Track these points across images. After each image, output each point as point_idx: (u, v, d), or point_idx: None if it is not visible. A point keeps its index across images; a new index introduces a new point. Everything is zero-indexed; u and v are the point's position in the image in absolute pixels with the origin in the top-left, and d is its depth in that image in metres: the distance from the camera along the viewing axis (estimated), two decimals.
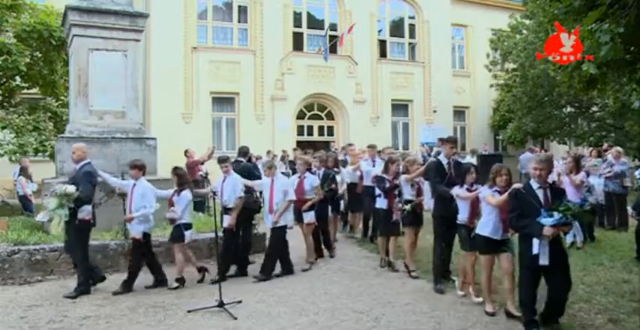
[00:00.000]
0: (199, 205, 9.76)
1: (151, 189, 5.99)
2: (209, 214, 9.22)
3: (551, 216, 4.17)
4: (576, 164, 7.86)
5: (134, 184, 5.98)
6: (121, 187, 6.21)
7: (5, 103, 11.81)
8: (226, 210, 6.45)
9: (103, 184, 6.29)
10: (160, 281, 6.02)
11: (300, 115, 18.60)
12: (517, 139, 19.27)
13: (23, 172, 10.60)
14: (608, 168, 9.58)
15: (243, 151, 7.80)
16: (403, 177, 6.26)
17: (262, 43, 17.81)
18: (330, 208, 7.70)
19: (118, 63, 8.36)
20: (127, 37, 8.43)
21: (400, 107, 20.28)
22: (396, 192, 6.45)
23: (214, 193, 5.97)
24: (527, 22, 17.48)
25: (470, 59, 22.33)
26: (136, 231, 5.92)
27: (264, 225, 7.22)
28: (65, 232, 5.64)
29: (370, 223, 8.56)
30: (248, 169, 7.22)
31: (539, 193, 4.37)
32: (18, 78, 11.37)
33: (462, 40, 22.53)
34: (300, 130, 18.59)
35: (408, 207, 6.13)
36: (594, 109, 18.11)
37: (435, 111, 20.33)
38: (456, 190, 5.29)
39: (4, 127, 10.60)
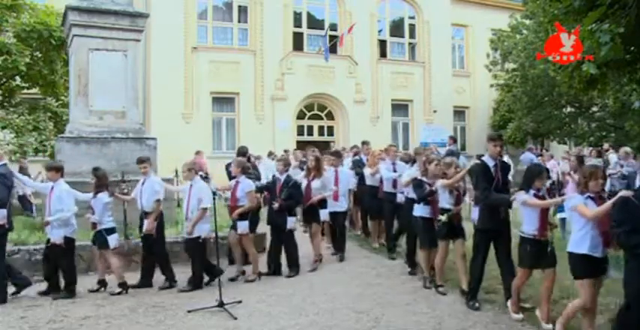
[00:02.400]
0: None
1: (68, 192, 5.73)
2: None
3: None
4: (580, 163, 7.83)
5: (52, 187, 5.72)
6: (39, 190, 5.98)
7: (5, 103, 11.82)
8: (146, 214, 6.04)
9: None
10: (68, 290, 5.68)
11: (300, 115, 18.59)
12: (517, 139, 19.26)
13: (22, 172, 10.60)
14: (616, 168, 9.52)
15: (242, 152, 7.80)
16: (440, 182, 5.48)
17: (262, 43, 17.80)
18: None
19: (118, 63, 8.36)
20: (127, 37, 8.43)
21: (400, 107, 20.27)
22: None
23: (214, 193, 5.94)
24: (527, 22, 17.47)
25: (470, 59, 22.31)
26: (55, 236, 5.59)
27: (262, 224, 7.25)
28: None
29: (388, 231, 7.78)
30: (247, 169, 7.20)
31: None
32: (18, 78, 11.38)
33: (462, 40, 22.52)
34: (300, 130, 18.58)
35: (444, 217, 5.38)
36: (594, 109, 18.10)
37: (435, 111, 20.31)
38: (522, 197, 4.45)
39: (4, 127, 10.61)
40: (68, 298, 5.57)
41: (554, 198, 4.90)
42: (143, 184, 6.13)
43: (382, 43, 20.12)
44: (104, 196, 5.82)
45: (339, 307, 5.16)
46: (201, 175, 6.22)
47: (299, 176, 7.35)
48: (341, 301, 5.34)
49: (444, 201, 5.49)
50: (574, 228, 4.03)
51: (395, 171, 7.39)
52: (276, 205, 6.42)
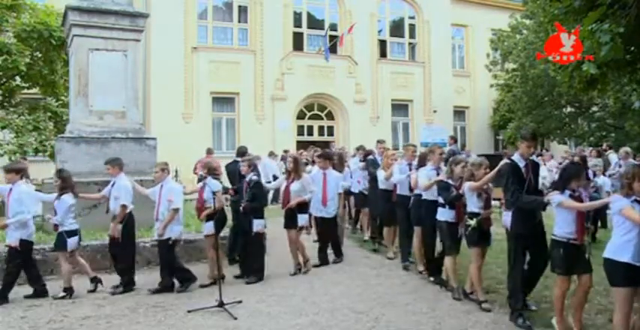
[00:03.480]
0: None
1: (27, 193, 5.68)
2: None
3: None
4: (583, 164, 7.62)
5: (10, 189, 5.61)
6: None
7: (5, 103, 11.82)
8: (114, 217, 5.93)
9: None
10: (39, 292, 5.64)
11: (300, 115, 18.60)
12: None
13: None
14: (616, 168, 9.55)
15: (242, 152, 7.79)
16: (468, 185, 5.10)
17: (262, 43, 17.81)
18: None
19: (118, 63, 8.36)
20: (127, 37, 8.43)
21: (400, 107, 20.28)
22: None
23: (214, 194, 5.94)
24: (527, 22, 17.48)
25: (470, 59, 22.33)
26: (12, 238, 5.51)
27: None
28: None
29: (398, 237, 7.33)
30: None
31: None
32: (18, 78, 11.38)
33: (462, 40, 22.53)
34: (300, 130, 18.59)
35: (473, 222, 5.03)
36: (594, 109, 18.12)
37: (435, 111, 20.33)
38: (557, 198, 4.17)
39: (4, 127, 10.61)
40: (41, 297, 5.56)
41: (594, 201, 4.59)
42: (112, 185, 5.99)
43: (382, 43, 20.13)
44: (68, 198, 5.71)
45: (339, 307, 5.16)
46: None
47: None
48: (341, 301, 5.34)
49: (472, 205, 5.11)
50: (616, 233, 3.81)
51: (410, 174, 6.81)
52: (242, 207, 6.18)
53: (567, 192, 4.19)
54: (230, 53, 17.61)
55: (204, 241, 6.40)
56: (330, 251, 7.25)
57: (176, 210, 5.76)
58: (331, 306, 5.19)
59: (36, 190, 7.98)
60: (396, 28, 20.55)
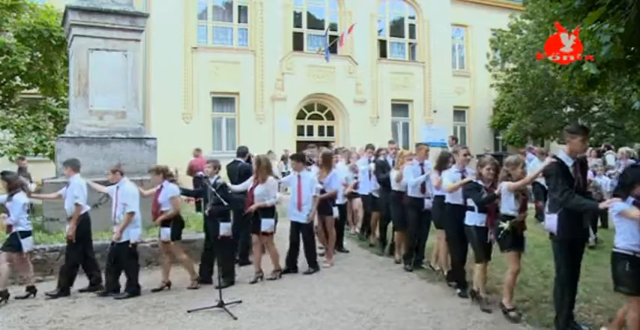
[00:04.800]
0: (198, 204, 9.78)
1: None
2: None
3: None
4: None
5: None
6: None
7: (5, 103, 11.82)
8: (68, 219, 5.84)
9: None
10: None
11: (300, 115, 18.60)
12: (517, 139, 19.27)
13: (22, 172, 10.60)
14: (617, 168, 9.56)
15: (242, 152, 7.79)
16: (506, 185, 4.69)
17: (262, 43, 17.82)
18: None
19: (118, 63, 8.36)
20: (127, 37, 8.43)
21: (400, 107, 20.28)
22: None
23: (214, 194, 5.92)
24: (527, 22, 17.47)
25: (470, 59, 22.33)
26: None
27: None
28: None
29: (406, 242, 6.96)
30: (246, 169, 7.17)
31: None
32: (18, 78, 11.38)
33: (462, 40, 22.53)
34: (300, 130, 18.59)
35: (506, 225, 4.65)
36: (594, 109, 18.12)
37: (435, 111, 20.33)
38: (619, 206, 3.74)
39: (4, 127, 10.62)
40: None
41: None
42: (67, 187, 5.89)
43: (382, 43, 20.14)
44: (21, 197, 5.61)
45: (339, 307, 5.16)
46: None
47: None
48: (341, 301, 5.34)
49: (508, 207, 4.72)
50: None
51: (423, 173, 6.50)
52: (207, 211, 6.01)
53: (630, 199, 3.75)
54: (230, 53, 17.61)
55: (161, 246, 6.14)
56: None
57: (131, 213, 5.64)
58: (331, 306, 5.19)
59: (36, 190, 7.99)
60: (396, 28, 20.56)
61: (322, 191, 6.92)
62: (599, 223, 8.92)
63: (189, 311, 5.04)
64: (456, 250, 5.61)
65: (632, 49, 4.47)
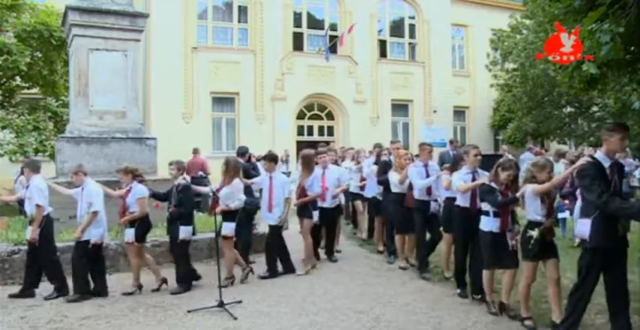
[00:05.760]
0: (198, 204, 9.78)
1: None
2: (209, 214, 9.23)
3: None
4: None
5: None
6: None
7: (5, 103, 11.84)
8: (30, 222, 5.72)
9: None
10: None
11: (300, 115, 18.60)
12: (517, 139, 19.27)
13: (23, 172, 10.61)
14: None
15: (241, 152, 7.80)
16: (531, 188, 4.36)
17: (262, 43, 17.82)
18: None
19: (118, 63, 8.37)
20: (127, 37, 8.44)
21: (400, 107, 20.28)
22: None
23: (214, 193, 5.92)
24: (527, 22, 17.47)
25: (470, 59, 22.33)
26: None
27: (264, 224, 7.22)
28: None
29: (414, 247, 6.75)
30: (245, 169, 7.18)
31: None
32: (18, 78, 11.40)
33: (462, 40, 22.53)
34: (300, 130, 18.59)
35: (535, 233, 4.29)
36: (594, 109, 18.11)
37: (435, 111, 20.33)
38: None
39: (4, 127, 10.63)
40: None
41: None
42: (27, 188, 5.79)
43: (382, 43, 20.14)
44: None
45: (339, 307, 5.16)
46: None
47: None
48: (341, 301, 5.34)
49: (534, 212, 4.38)
50: None
51: (428, 175, 6.18)
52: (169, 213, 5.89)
53: None
54: (230, 53, 17.62)
55: (123, 248, 6.06)
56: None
57: (95, 213, 5.55)
58: (331, 306, 5.19)
59: None
60: (396, 28, 20.56)
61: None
62: None
63: (189, 311, 5.04)
64: (460, 252, 5.47)
65: (632, 49, 4.47)
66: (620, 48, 3.80)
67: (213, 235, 6.36)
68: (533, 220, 4.39)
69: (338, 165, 8.73)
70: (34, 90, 11.92)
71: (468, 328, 4.57)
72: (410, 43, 20.74)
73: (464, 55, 22.60)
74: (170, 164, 6.12)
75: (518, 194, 4.53)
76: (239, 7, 18.09)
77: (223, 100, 17.73)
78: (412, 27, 20.64)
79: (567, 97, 16.82)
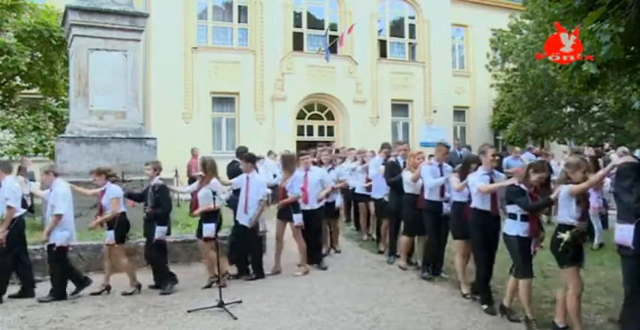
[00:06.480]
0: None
1: None
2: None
3: None
4: (595, 164, 7.09)
5: None
6: None
7: (5, 103, 11.83)
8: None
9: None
10: None
11: (300, 115, 18.59)
12: (517, 139, 19.26)
13: (21, 172, 10.60)
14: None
15: (241, 151, 7.80)
16: (567, 188, 4.11)
17: (262, 43, 17.81)
18: (113, 233, 5.73)
19: (118, 63, 8.38)
20: (127, 37, 8.45)
21: (400, 107, 20.27)
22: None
23: (214, 194, 5.92)
24: (527, 22, 17.47)
25: (470, 59, 22.31)
26: None
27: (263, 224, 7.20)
28: None
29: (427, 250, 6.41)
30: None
31: None
32: (18, 78, 11.39)
33: (462, 40, 22.52)
34: (300, 130, 18.58)
35: (567, 236, 4.05)
36: (594, 109, 18.11)
37: (435, 111, 20.32)
38: None
39: (4, 127, 10.64)
40: None
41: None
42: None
43: (382, 43, 20.12)
44: None
45: (339, 307, 5.16)
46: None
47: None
48: (341, 301, 5.34)
49: (568, 214, 4.14)
50: None
51: (442, 175, 6.02)
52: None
53: None
54: (230, 53, 17.60)
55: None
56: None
57: (58, 216, 5.46)
58: (331, 306, 5.19)
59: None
60: (396, 28, 20.54)
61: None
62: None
63: (189, 311, 5.04)
64: (482, 261, 5.09)
65: (632, 49, 4.48)
66: (620, 48, 3.81)
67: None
68: (566, 222, 4.15)
69: (334, 166, 8.71)
70: (34, 90, 11.91)
71: (468, 328, 4.57)
72: (410, 43, 20.73)
73: (464, 55, 22.58)
74: (146, 164, 6.10)
75: (552, 196, 4.27)
76: (239, 7, 18.08)
77: (223, 100, 17.72)
78: (412, 27, 20.62)
79: (567, 97, 16.82)
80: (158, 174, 5.99)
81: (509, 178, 5.02)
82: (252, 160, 6.62)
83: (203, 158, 6.27)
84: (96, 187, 6.03)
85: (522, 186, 4.50)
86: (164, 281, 5.84)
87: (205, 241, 5.94)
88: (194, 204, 6.00)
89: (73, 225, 5.71)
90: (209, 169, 6.02)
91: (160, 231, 5.78)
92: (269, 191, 6.65)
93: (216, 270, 5.63)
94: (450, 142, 13.59)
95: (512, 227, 4.54)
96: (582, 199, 4.17)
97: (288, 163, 6.91)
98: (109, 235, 5.75)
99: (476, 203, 5.07)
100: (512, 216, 4.55)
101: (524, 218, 4.48)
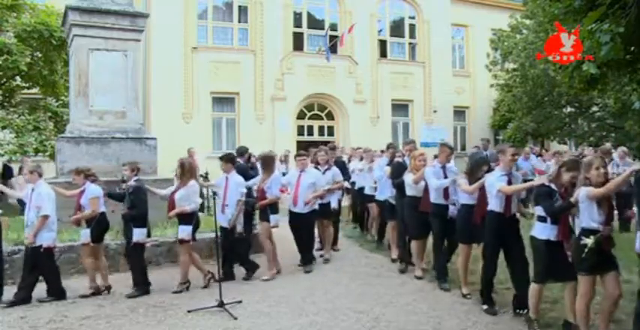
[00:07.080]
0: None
1: None
2: (210, 214, 9.23)
3: None
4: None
5: None
6: None
7: (5, 103, 11.84)
8: None
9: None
10: None
11: (300, 115, 18.59)
12: (517, 139, 19.25)
13: (21, 172, 10.62)
14: (614, 169, 9.50)
15: (240, 152, 7.80)
16: (586, 191, 3.85)
17: (262, 43, 17.81)
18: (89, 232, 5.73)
19: (118, 63, 8.37)
20: (127, 37, 8.44)
21: (400, 107, 20.27)
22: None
23: (214, 194, 5.92)
24: (528, 22, 17.47)
25: (470, 59, 22.31)
26: None
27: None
28: None
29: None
30: (243, 169, 7.16)
31: None
32: (18, 78, 11.40)
33: (462, 40, 22.52)
34: (300, 130, 18.58)
35: (590, 241, 3.79)
36: (594, 109, 18.11)
37: (435, 111, 20.32)
38: None
39: (4, 127, 10.64)
40: None
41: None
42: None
43: (382, 43, 20.12)
44: None
45: (339, 307, 5.16)
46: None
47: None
48: (341, 301, 5.34)
49: (589, 218, 3.88)
50: None
51: (446, 177, 5.79)
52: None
53: None
54: (230, 53, 17.60)
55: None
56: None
57: (45, 217, 5.43)
58: (331, 306, 5.19)
59: None
60: (396, 28, 20.54)
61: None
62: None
63: (189, 311, 5.04)
64: (489, 265, 4.94)
65: (632, 49, 4.48)
66: (620, 48, 3.81)
67: (213, 234, 6.28)
68: (588, 227, 3.88)
69: (330, 165, 8.56)
70: (34, 90, 11.92)
71: (468, 328, 4.57)
72: (410, 43, 20.73)
73: (464, 55, 22.58)
74: (124, 165, 6.07)
75: (572, 199, 3.98)
76: (239, 7, 18.08)
77: (223, 100, 17.72)
78: (412, 27, 20.62)
79: (567, 97, 16.83)
80: (136, 174, 5.97)
81: (525, 180, 4.83)
82: (231, 160, 6.57)
83: (181, 160, 6.22)
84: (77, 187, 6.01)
85: (552, 186, 4.23)
86: (137, 285, 5.77)
87: (180, 244, 5.90)
88: (170, 205, 5.93)
89: (56, 225, 5.68)
90: (187, 171, 5.96)
91: (139, 233, 5.73)
92: (244, 190, 6.57)
93: (203, 270, 5.83)
94: (450, 143, 13.61)
95: (542, 231, 4.28)
96: (603, 201, 3.89)
97: (267, 163, 6.79)
98: (85, 234, 5.75)
99: (494, 206, 4.82)
100: (542, 219, 4.26)
101: (554, 221, 4.20)
